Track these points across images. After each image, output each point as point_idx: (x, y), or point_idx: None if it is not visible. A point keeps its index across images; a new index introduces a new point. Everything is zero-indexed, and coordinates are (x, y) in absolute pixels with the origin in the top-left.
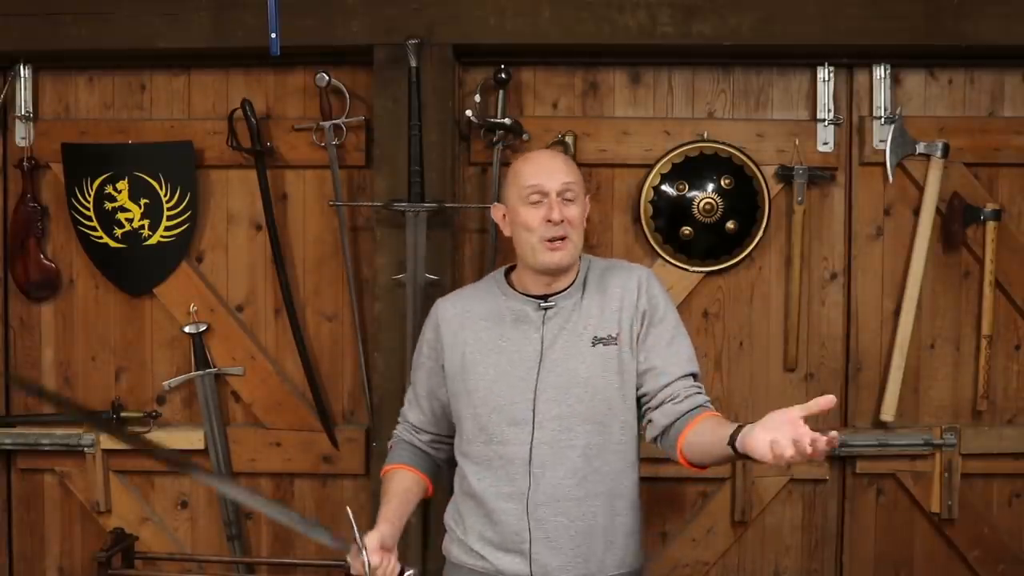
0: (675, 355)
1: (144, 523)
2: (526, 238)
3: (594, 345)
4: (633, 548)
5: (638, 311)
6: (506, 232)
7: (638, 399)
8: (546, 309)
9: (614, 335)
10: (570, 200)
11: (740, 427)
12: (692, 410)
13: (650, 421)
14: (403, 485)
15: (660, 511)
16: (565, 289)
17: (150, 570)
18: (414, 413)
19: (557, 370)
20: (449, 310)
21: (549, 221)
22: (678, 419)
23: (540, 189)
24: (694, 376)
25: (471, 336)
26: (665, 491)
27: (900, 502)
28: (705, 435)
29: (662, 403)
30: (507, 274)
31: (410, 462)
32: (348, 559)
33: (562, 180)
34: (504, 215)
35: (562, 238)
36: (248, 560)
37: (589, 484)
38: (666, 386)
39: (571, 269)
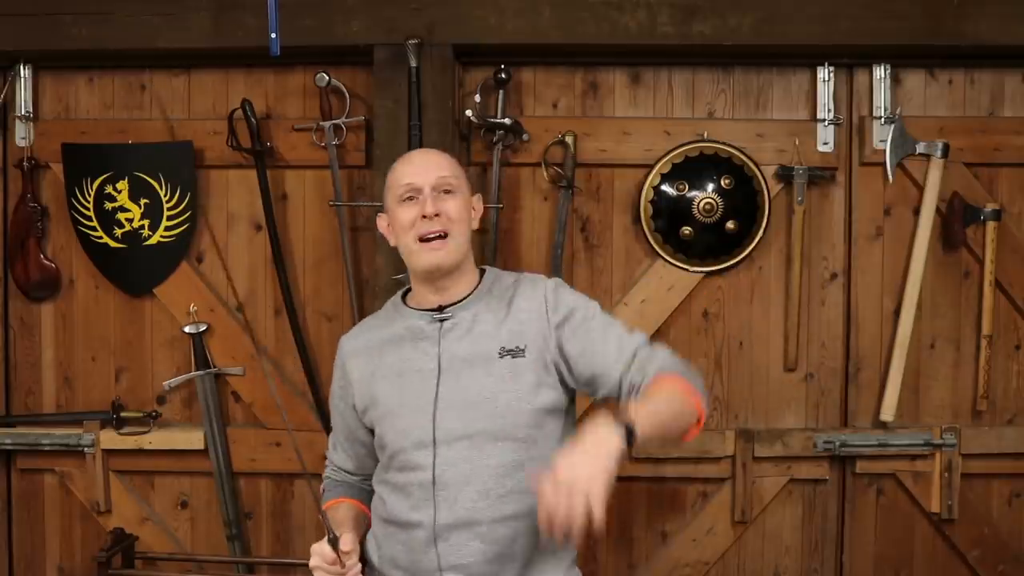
0: (611, 347)
1: (144, 523)
2: (404, 241)
3: (501, 357)
4: (561, 570)
5: (551, 325)
6: (391, 241)
7: (606, 399)
8: (441, 321)
9: (522, 347)
10: (448, 193)
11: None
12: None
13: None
14: (350, 514)
15: (660, 511)
16: (462, 299)
17: (150, 570)
18: (339, 456)
19: (461, 384)
20: (351, 345)
21: (424, 217)
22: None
23: (413, 186)
24: (638, 349)
25: (376, 364)
26: (665, 491)
27: (900, 502)
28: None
29: (628, 397)
30: (404, 295)
31: (348, 495)
32: (315, 548)
33: (436, 174)
34: (388, 224)
35: (441, 236)
36: (248, 560)
37: (506, 505)
38: (620, 380)
39: (464, 274)
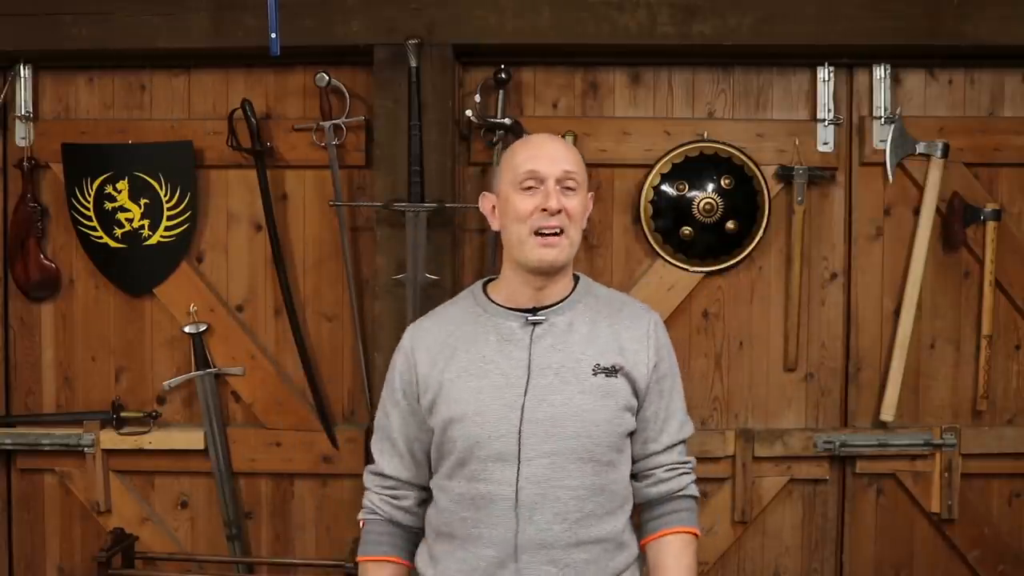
0: (668, 421)
1: (144, 523)
2: (516, 230)
3: (595, 374)
4: None
5: (649, 359)
6: (494, 226)
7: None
8: (535, 324)
9: (617, 368)
10: (570, 190)
11: None
12: (670, 502)
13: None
14: None
15: None
16: (558, 303)
17: (150, 570)
18: (391, 463)
19: (549, 399)
20: (423, 337)
21: (544, 210)
22: (654, 511)
23: (537, 175)
24: (679, 444)
25: (451, 361)
26: None
27: (900, 502)
28: (653, 567)
29: (644, 474)
30: (485, 287)
31: (392, 550)
32: None
33: (563, 167)
34: (493, 207)
35: (557, 232)
36: (248, 560)
37: (581, 529)
38: (652, 455)
39: (565, 276)
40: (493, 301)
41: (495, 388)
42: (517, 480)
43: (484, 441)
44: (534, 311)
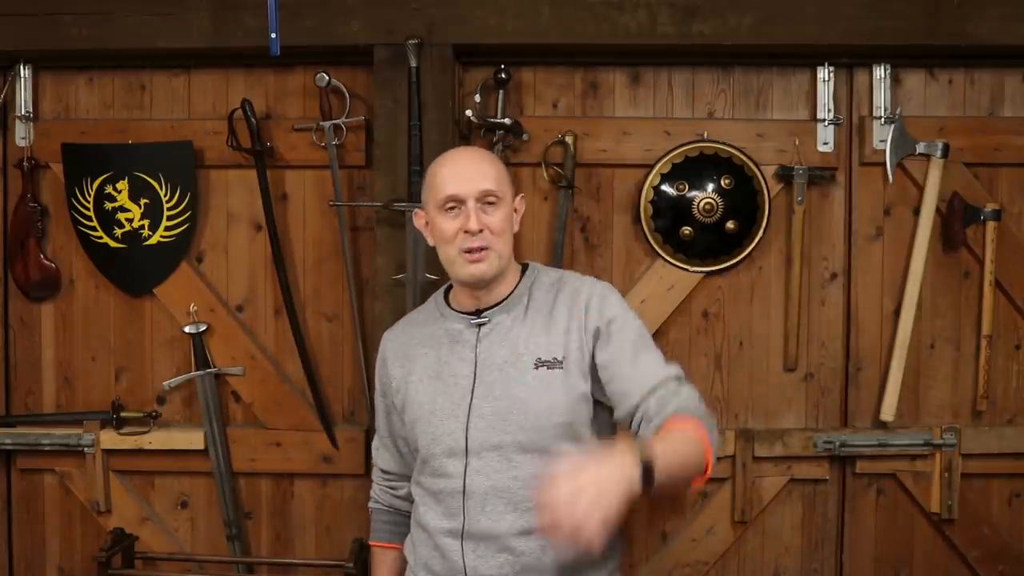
0: (639, 371)
1: (144, 523)
2: (445, 251)
3: (537, 368)
4: None
5: (587, 332)
6: (430, 241)
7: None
8: (479, 326)
9: (559, 358)
10: (491, 205)
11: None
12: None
13: None
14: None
15: (660, 511)
16: (501, 302)
17: (150, 570)
18: (384, 457)
19: (494, 394)
20: (393, 342)
21: (466, 232)
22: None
23: (456, 198)
24: (664, 381)
25: (415, 365)
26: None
27: (900, 502)
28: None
29: (638, 427)
30: (447, 292)
31: (393, 537)
32: None
33: (480, 187)
34: (427, 223)
35: (482, 248)
36: (248, 560)
37: (533, 518)
38: (637, 407)
39: (503, 280)
40: (450, 305)
41: (447, 387)
42: (465, 474)
43: (438, 438)
44: (478, 313)
